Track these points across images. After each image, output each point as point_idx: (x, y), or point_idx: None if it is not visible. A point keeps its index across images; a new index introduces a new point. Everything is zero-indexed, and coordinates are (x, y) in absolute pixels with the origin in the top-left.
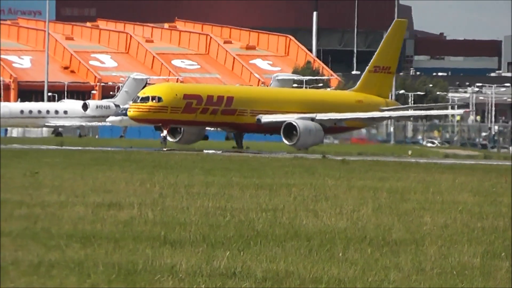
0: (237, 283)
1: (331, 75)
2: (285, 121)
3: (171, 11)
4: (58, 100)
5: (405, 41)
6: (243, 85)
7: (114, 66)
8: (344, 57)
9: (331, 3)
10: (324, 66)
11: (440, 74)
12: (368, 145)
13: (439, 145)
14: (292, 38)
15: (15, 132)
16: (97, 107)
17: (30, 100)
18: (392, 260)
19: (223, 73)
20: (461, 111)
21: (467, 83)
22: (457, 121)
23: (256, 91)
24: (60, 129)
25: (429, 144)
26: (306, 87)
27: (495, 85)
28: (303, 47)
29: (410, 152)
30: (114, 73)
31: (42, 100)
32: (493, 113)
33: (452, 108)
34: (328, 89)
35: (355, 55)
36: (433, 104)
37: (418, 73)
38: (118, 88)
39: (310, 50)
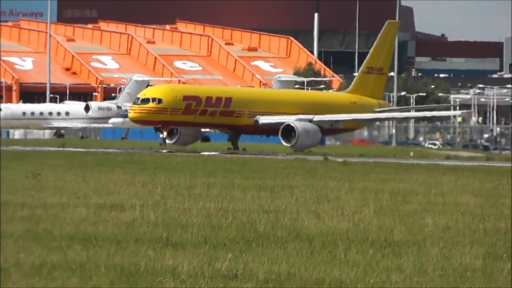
0: (239, 285)
1: (333, 76)
2: (282, 123)
3: (173, 12)
4: (60, 102)
5: (406, 42)
6: (241, 86)
7: (115, 68)
8: (345, 59)
9: (333, 4)
10: (326, 67)
11: (441, 75)
12: (369, 146)
13: (440, 146)
14: (294, 39)
15: (17, 134)
16: (99, 108)
17: (32, 102)
18: (394, 261)
19: (225, 74)
20: (458, 112)
21: (469, 85)
22: (459, 122)
23: (253, 92)
24: (62, 130)
25: (431, 146)
26: (307, 89)
27: (497, 86)
28: (304, 48)
29: (411, 154)
30: (115, 75)
31: (44, 102)
32: (495, 114)
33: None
34: (330, 90)
35: (356, 56)
36: (427, 106)
37: (419, 74)
38: (120, 89)
39: (312, 52)
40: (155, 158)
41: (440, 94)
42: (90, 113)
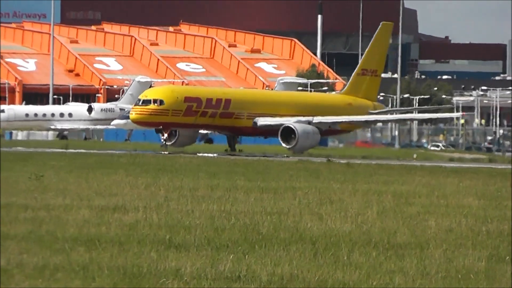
0: (242, 287)
1: (336, 78)
2: (281, 124)
3: (176, 14)
4: (63, 103)
5: (410, 44)
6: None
7: (119, 69)
8: (348, 61)
9: (336, 6)
10: (329, 69)
11: (445, 77)
12: (373, 148)
13: (444, 148)
14: (297, 41)
15: (20, 135)
16: (102, 110)
17: (35, 103)
18: (397, 263)
19: (228, 76)
20: (458, 114)
21: (472, 87)
22: (462, 124)
23: (250, 94)
24: (65, 132)
25: (434, 148)
26: (310, 91)
27: (500, 88)
28: (308, 50)
29: (415, 156)
30: (119, 76)
31: (47, 103)
32: (498, 116)
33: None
34: (333, 92)
35: (360, 58)
36: (423, 107)
37: (423, 76)
38: (123, 91)
39: (315, 54)
40: (158, 160)
41: (443, 96)
42: (93, 114)
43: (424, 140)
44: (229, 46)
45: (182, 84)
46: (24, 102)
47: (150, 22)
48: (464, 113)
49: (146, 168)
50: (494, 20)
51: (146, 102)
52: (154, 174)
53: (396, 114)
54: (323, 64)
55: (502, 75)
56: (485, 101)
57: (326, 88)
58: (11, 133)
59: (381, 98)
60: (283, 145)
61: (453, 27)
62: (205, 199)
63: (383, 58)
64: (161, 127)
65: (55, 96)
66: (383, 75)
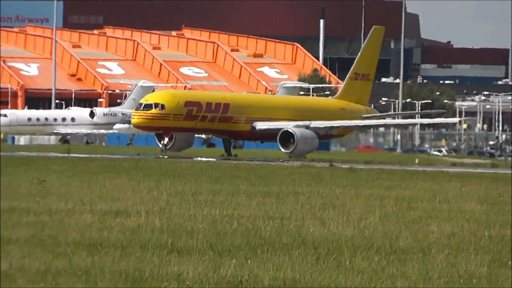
0: None
1: (338, 83)
2: (279, 129)
3: (179, 18)
4: (65, 108)
5: (412, 49)
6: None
7: (121, 74)
8: (351, 65)
9: (338, 11)
10: (331, 74)
11: (447, 82)
12: (375, 153)
13: (446, 153)
14: (300, 46)
15: (22, 140)
16: (104, 114)
17: (37, 108)
18: (399, 268)
19: (231, 81)
20: (456, 119)
21: (474, 92)
22: (464, 129)
23: (248, 98)
24: (67, 136)
25: (436, 153)
26: (312, 95)
27: (502, 93)
28: (310, 55)
29: (417, 161)
30: (121, 81)
31: (50, 108)
32: (501, 121)
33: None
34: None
35: None
36: (416, 112)
37: (425, 81)
38: (125, 95)
39: (317, 58)
40: (160, 164)
41: (445, 101)
42: (95, 119)
43: (426, 145)
44: (232, 50)
45: (185, 89)
46: (26, 107)
47: (152, 26)
48: (462, 118)
49: (148, 172)
50: (497, 25)
51: (148, 106)
52: (157, 178)
53: (398, 118)
54: (325, 68)
55: (504, 79)
56: (487, 106)
57: (328, 92)
58: (13, 138)
59: (384, 103)
60: (282, 149)
61: (456, 32)
62: (207, 204)
63: (375, 62)
64: (161, 131)
65: (57, 101)
66: (385, 79)
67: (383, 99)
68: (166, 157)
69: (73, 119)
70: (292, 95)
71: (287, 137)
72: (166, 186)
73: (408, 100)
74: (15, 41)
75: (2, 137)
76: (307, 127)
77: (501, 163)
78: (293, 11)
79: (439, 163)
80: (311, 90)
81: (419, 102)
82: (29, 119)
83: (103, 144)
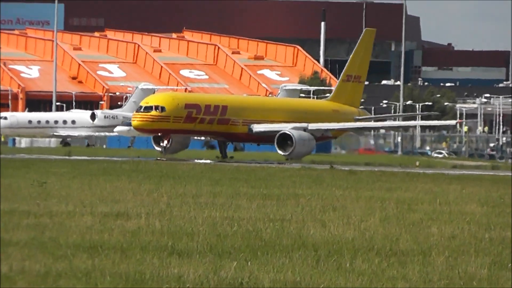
0: None
1: None
2: (275, 131)
3: (179, 21)
4: (66, 110)
5: (413, 52)
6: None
7: (122, 76)
8: None
9: (339, 13)
10: (332, 76)
11: (447, 84)
12: (375, 155)
13: (446, 155)
14: (300, 48)
15: (23, 142)
16: (105, 117)
17: (38, 110)
18: (400, 270)
19: (231, 83)
20: (453, 121)
21: (475, 94)
22: (465, 132)
23: (245, 100)
24: (68, 139)
25: (437, 155)
26: (313, 97)
27: (503, 95)
28: (311, 57)
29: (417, 163)
30: (122, 83)
31: (50, 110)
32: (501, 123)
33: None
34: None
35: None
36: (410, 114)
37: (426, 83)
38: (126, 98)
39: (318, 60)
40: (161, 166)
41: (446, 103)
42: (96, 121)
43: (427, 148)
44: (232, 53)
45: (185, 91)
46: (27, 109)
47: (153, 29)
48: (459, 120)
49: (148, 174)
50: (497, 27)
51: (148, 108)
52: (157, 180)
53: (398, 120)
54: (326, 71)
55: (505, 82)
56: (488, 108)
57: (328, 95)
58: (14, 140)
59: (384, 105)
60: (279, 152)
61: (456, 34)
62: (207, 206)
63: (366, 64)
64: (160, 134)
65: (58, 103)
66: (386, 82)
67: (384, 101)
68: (164, 159)
69: (73, 122)
70: (293, 97)
71: (284, 139)
72: (167, 188)
73: (409, 103)
74: (16, 43)
75: (2, 139)
76: (305, 129)
77: (502, 165)
78: (293, 13)
79: (440, 165)
80: (311, 92)
81: (420, 104)
82: (30, 121)
83: (104, 146)
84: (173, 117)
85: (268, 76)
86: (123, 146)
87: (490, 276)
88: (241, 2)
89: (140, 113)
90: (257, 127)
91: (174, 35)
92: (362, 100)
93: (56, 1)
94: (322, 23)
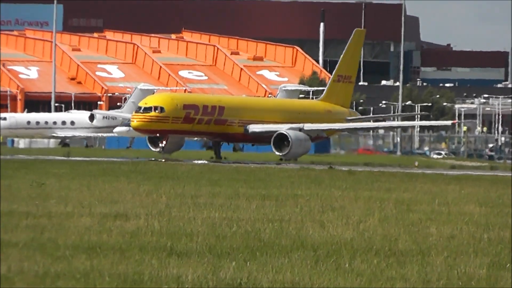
0: None
1: None
2: (271, 131)
3: (178, 21)
4: (65, 111)
5: (412, 52)
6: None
7: (121, 77)
8: None
9: (338, 14)
10: (331, 76)
11: (446, 85)
12: (374, 155)
13: (445, 156)
14: (299, 49)
15: (22, 143)
16: (103, 118)
17: (37, 111)
18: (398, 271)
19: (230, 84)
20: (449, 122)
21: (474, 94)
22: (464, 132)
23: (241, 101)
24: (67, 139)
25: (436, 156)
26: (312, 98)
27: (502, 96)
28: (310, 58)
29: (416, 163)
30: (121, 84)
31: (49, 111)
32: (500, 124)
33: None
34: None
35: (361, 66)
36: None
37: (425, 84)
38: (125, 99)
39: (317, 61)
40: (160, 167)
41: (445, 104)
42: (95, 122)
43: (426, 148)
44: (232, 53)
45: (185, 92)
46: (26, 110)
47: (152, 29)
48: (455, 121)
49: (147, 175)
50: (496, 28)
51: (147, 109)
52: (156, 181)
53: (397, 120)
54: (325, 71)
55: (504, 82)
56: (487, 109)
57: None
58: (13, 141)
59: (384, 106)
60: (276, 152)
61: (455, 35)
62: (206, 207)
63: (356, 64)
64: (158, 134)
65: (57, 104)
66: (385, 82)
67: (383, 102)
68: (163, 160)
69: (72, 123)
70: (292, 98)
71: (281, 140)
72: (166, 189)
73: (408, 103)
74: (15, 44)
75: (1, 140)
76: (300, 129)
77: (500, 165)
78: (293, 14)
79: (439, 165)
80: (311, 93)
81: (419, 105)
82: (29, 122)
83: (103, 147)
84: (172, 117)
85: (267, 77)
86: (122, 147)
87: (489, 276)
88: (240, 2)
89: (139, 114)
90: (253, 128)
91: (173, 36)
92: (361, 100)
93: (55, 2)
94: (321, 24)
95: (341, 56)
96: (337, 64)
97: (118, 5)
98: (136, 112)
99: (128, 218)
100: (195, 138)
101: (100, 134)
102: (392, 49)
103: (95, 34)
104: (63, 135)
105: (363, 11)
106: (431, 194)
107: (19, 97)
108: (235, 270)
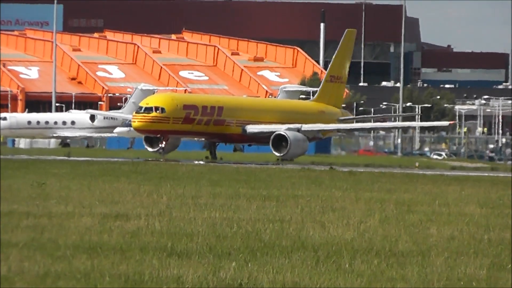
0: None
1: None
2: (269, 132)
3: (179, 22)
4: (65, 111)
5: (412, 53)
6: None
7: (121, 77)
8: (351, 69)
9: (339, 15)
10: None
11: (447, 86)
12: (375, 156)
13: (446, 157)
14: (300, 49)
15: (22, 143)
16: (104, 118)
17: (37, 111)
18: (399, 271)
19: (231, 84)
20: (446, 123)
21: (474, 95)
22: (464, 133)
23: (239, 101)
24: (67, 140)
25: (436, 157)
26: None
27: (502, 97)
28: (310, 58)
29: (417, 164)
30: (121, 84)
31: (50, 111)
32: (500, 125)
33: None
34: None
35: (362, 67)
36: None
37: (425, 85)
38: (126, 99)
39: (318, 62)
40: (160, 167)
41: (445, 105)
42: (95, 122)
43: (426, 149)
44: (232, 54)
45: (185, 92)
46: (26, 110)
47: (152, 30)
48: (452, 122)
49: (148, 176)
50: (497, 29)
51: (148, 109)
52: (156, 181)
53: (398, 120)
54: (326, 72)
55: (504, 83)
56: (487, 110)
57: None
58: (13, 141)
59: (384, 107)
60: (274, 153)
61: (456, 36)
62: (207, 207)
63: (347, 64)
64: (158, 135)
65: (57, 104)
66: (385, 83)
67: (384, 103)
68: (162, 160)
69: (73, 123)
70: (293, 99)
71: (279, 140)
72: (166, 190)
73: (408, 104)
74: (15, 44)
75: (2, 140)
76: (298, 130)
77: (501, 166)
78: (293, 14)
79: (439, 166)
80: (311, 93)
81: (419, 106)
82: (29, 122)
83: (103, 147)
84: (172, 118)
85: (268, 78)
86: (122, 147)
87: (489, 277)
88: (240, 3)
89: (140, 114)
90: (251, 128)
91: (173, 36)
92: (362, 102)
93: (55, 2)
94: (322, 25)
95: (333, 56)
96: (330, 65)
97: (118, 5)
98: (137, 112)
99: (129, 218)
100: (195, 139)
101: (100, 135)
102: (392, 50)
103: (96, 34)
104: (63, 135)
105: (363, 12)
106: (431, 195)
107: (19, 97)
108: (235, 270)
